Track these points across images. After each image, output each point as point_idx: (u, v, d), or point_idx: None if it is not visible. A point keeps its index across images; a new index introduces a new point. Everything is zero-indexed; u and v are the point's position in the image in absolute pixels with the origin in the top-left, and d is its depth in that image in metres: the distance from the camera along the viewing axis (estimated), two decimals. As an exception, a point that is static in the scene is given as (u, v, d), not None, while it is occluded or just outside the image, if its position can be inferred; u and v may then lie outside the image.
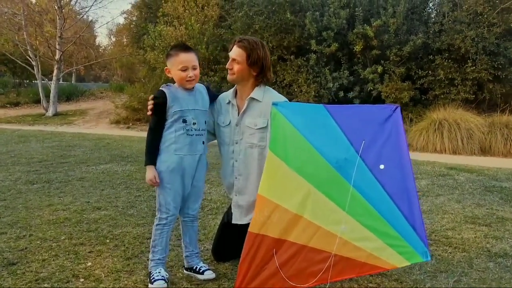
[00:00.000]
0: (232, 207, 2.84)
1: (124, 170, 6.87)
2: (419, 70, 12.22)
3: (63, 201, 4.90)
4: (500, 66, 11.34)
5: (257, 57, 2.58)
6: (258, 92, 2.69)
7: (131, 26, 24.10)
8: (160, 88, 2.73)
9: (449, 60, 11.79)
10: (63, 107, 19.99)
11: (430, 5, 13.30)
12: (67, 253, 3.29)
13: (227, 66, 2.70)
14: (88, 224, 4.04)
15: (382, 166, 2.38)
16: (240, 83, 2.72)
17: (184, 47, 2.75)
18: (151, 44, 15.34)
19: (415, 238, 2.32)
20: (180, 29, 14.28)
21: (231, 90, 2.80)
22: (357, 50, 12.13)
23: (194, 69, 2.72)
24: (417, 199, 2.36)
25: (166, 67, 2.77)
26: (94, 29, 30.82)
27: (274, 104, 2.51)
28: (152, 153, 2.69)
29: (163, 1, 16.23)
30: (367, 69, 12.29)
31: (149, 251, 2.81)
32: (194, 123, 2.70)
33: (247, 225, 2.50)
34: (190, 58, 2.71)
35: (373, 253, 2.30)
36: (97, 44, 35.51)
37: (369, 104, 2.56)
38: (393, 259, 2.30)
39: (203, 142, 2.78)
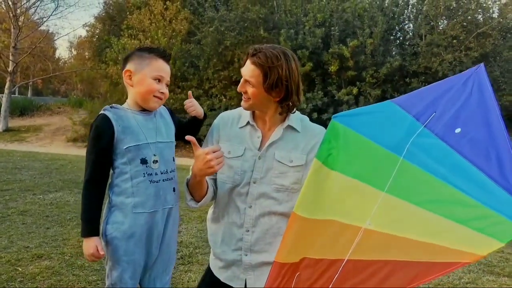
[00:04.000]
0: (231, 269, 1.95)
1: (76, 200, 5.91)
2: (395, 93, 11.89)
3: (-5, 245, 3.94)
4: (477, 91, 11.15)
5: (278, 77, 1.73)
6: (295, 120, 1.90)
7: (94, 39, 22.97)
8: (102, 112, 1.84)
9: (426, 83, 11.49)
10: (16, 122, 18.52)
11: (406, 27, 13.09)
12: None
13: (238, 89, 1.85)
14: (22, 283, 3.12)
15: (458, 130, 1.67)
16: (260, 110, 1.91)
17: (165, 54, 1.95)
18: (114, 58, 14.40)
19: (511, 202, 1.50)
20: (146, 42, 13.43)
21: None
22: (332, 70, 11.70)
23: (167, 86, 1.95)
24: (510, 154, 1.55)
25: (126, 69, 1.88)
26: (54, 40, 29.29)
27: (334, 116, 1.84)
28: (92, 219, 1.82)
29: (128, 14, 15.38)
30: (342, 90, 11.86)
31: None
32: (155, 162, 1.86)
33: None
34: (168, 71, 1.94)
35: (445, 246, 1.51)
36: (57, 57, 33.97)
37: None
38: (479, 246, 1.44)
39: (174, 189, 1.95)
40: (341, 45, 11.45)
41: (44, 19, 21.32)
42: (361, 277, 1.64)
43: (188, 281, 3.32)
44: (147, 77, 1.87)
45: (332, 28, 11.74)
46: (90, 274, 3.35)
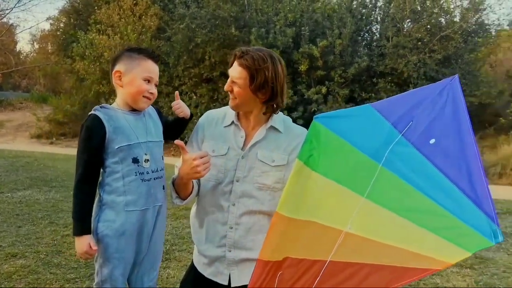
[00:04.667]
0: (215, 265, 1.98)
1: (47, 198, 5.81)
2: (363, 93, 12.18)
3: (-35, 245, 3.85)
4: (439, 92, 11.59)
5: (265, 79, 1.80)
6: (278, 121, 1.96)
7: (58, 33, 22.32)
8: (92, 112, 1.87)
9: (392, 84, 11.87)
10: (-25, 118, 17.87)
11: (373, 29, 13.43)
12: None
13: (225, 88, 1.90)
14: (-2, 282, 3.09)
15: (432, 141, 1.79)
16: (245, 110, 1.97)
17: (154, 55, 1.99)
18: (80, 53, 14.08)
19: (479, 217, 1.61)
20: (115, 38, 13.20)
21: (228, 107, 2.00)
22: (302, 69, 11.86)
23: (156, 86, 2.00)
24: (480, 168, 1.67)
25: (116, 70, 1.92)
26: (17, 34, 28.30)
27: (316, 117, 1.89)
28: (84, 218, 1.84)
29: (96, 8, 15.06)
30: (311, 89, 12.04)
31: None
32: (146, 161, 1.92)
33: None
34: (157, 71, 1.99)
35: (416, 252, 1.65)
36: (18, 50, 32.75)
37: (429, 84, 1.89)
38: (448, 255, 1.61)
39: (163, 187, 2.01)
40: (311, 45, 11.62)
41: (7, 11, 20.58)
42: (339, 278, 1.73)
43: (167, 278, 3.36)
44: (137, 78, 1.91)
45: (303, 28, 11.90)
46: (67, 272, 3.34)
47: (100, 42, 13.22)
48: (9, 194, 5.92)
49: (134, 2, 14.03)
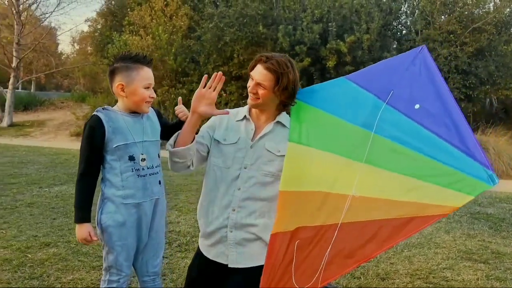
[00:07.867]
0: (218, 247, 2.17)
1: (81, 193, 6.19)
2: (392, 88, 12.07)
3: (5, 235, 4.22)
4: (472, 85, 11.35)
5: (288, 82, 2.03)
6: (284, 118, 2.19)
7: (96, 34, 23.15)
8: (94, 113, 2.09)
9: (422, 78, 11.70)
10: (20, 117, 18.79)
11: (403, 22, 13.25)
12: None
13: (250, 90, 2.08)
14: (31, 268, 3.40)
15: (417, 106, 1.95)
16: (263, 108, 2.18)
17: (147, 60, 2.18)
18: (115, 54, 14.56)
19: (474, 166, 1.78)
20: (147, 39, 13.64)
21: (246, 106, 2.23)
22: (330, 65, 11.88)
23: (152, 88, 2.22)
24: (465, 123, 1.86)
25: (119, 84, 2.09)
26: (56, 36, 29.55)
27: None
28: (84, 207, 2.10)
29: (129, 10, 15.57)
30: (340, 85, 12.06)
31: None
32: (143, 160, 2.14)
33: (250, 271, 2.03)
34: (152, 75, 2.19)
35: (422, 202, 1.82)
36: (59, 51, 34.14)
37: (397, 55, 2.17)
38: (451, 200, 1.78)
39: (160, 182, 2.24)
40: (338, 40, 11.64)
41: (47, 15, 21.51)
42: (354, 237, 1.89)
43: (184, 267, 3.58)
44: (138, 87, 2.11)
45: (330, 24, 11.92)
46: (94, 260, 3.63)
47: (133, 43, 13.68)
48: (47, 189, 6.35)
49: (165, 3, 14.43)
